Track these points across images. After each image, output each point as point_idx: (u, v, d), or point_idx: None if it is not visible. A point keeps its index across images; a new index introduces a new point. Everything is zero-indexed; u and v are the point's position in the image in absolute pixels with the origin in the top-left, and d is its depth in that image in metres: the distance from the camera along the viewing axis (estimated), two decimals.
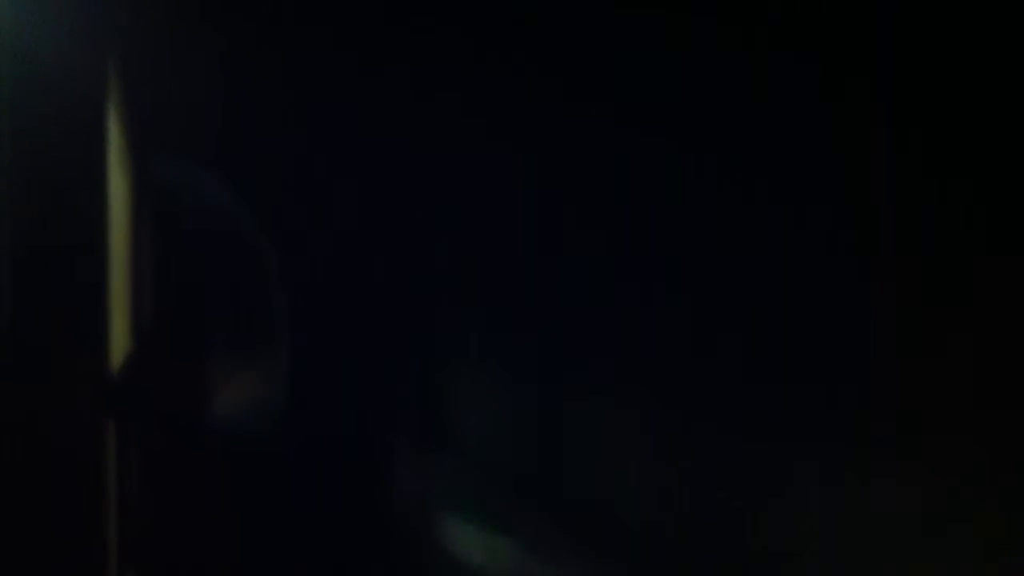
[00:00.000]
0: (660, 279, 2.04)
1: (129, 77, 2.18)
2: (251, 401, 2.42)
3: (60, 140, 1.94)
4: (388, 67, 2.35)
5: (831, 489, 1.75)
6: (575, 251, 2.18)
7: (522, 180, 2.21)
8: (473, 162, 2.32)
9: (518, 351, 2.28)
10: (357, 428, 2.49)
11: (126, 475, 2.28)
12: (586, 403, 2.19)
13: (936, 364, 1.64)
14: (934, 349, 1.65)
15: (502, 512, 2.31)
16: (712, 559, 1.95)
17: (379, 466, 2.45)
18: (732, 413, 1.91)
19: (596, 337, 2.16)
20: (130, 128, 2.20)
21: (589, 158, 2.15)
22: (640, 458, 2.11)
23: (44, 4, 1.87)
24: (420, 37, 2.28)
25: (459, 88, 2.26)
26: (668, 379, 2.04)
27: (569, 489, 2.24)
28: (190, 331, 2.30)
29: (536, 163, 2.19)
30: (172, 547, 2.34)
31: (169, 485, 2.34)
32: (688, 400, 2.00)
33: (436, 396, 2.46)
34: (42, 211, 1.96)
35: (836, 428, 1.75)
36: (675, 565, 2.03)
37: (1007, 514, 1.57)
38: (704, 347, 1.96)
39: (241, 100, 2.35)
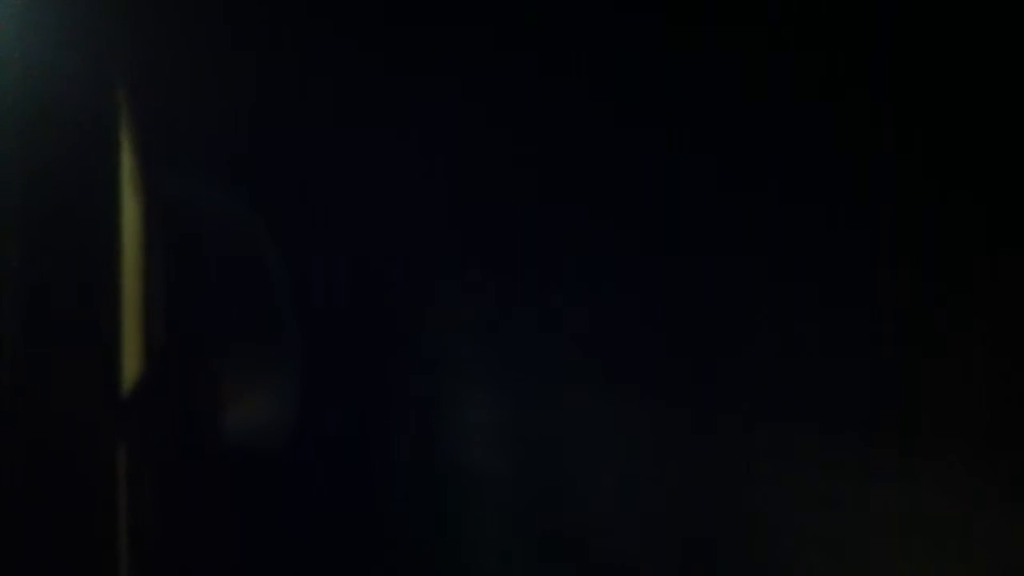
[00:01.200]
0: (661, 282, 2.04)
1: (138, 88, 2.19)
2: (259, 412, 2.42)
3: (70, 152, 1.95)
4: (396, 75, 2.35)
5: (833, 490, 1.75)
6: (578, 252, 2.17)
7: (521, 191, 2.21)
8: (473, 166, 2.32)
9: (520, 358, 2.28)
10: (368, 440, 2.49)
11: (135, 485, 2.29)
12: (586, 408, 2.19)
13: (937, 362, 1.64)
14: (936, 348, 1.64)
15: (501, 522, 2.31)
16: (713, 560, 1.96)
17: (392, 479, 2.45)
18: (733, 414, 1.91)
19: (597, 340, 2.16)
20: (139, 138, 2.21)
21: (588, 155, 2.15)
22: (640, 462, 2.11)
23: (53, 16, 1.87)
24: (426, 41, 2.29)
25: (461, 94, 2.26)
26: (669, 380, 2.04)
27: (569, 495, 2.24)
28: (199, 344, 2.31)
29: (532, 167, 2.19)
30: (180, 556, 2.35)
31: (178, 495, 2.35)
32: (689, 401, 1.99)
33: (442, 406, 2.46)
34: (52, 224, 1.97)
35: (838, 428, 1.75)
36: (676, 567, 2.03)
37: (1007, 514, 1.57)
38: (707, 349, 1.96)
39: (248, 110, 2.36)
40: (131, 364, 2.17)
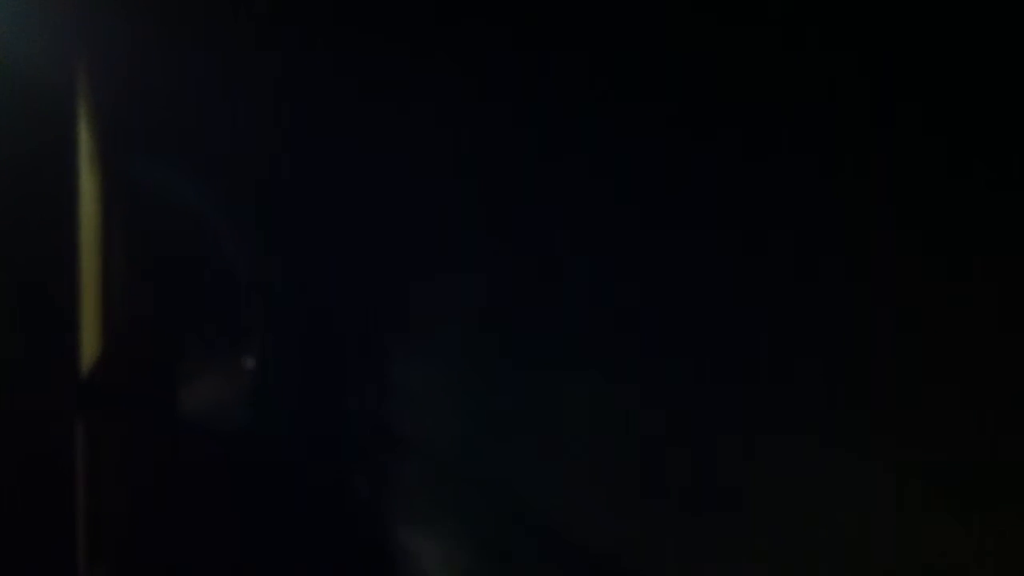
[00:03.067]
0: (651, 280, 2.02)
1: (100, 80, 2.12)
2: (223, 401, 2.38)
3: (31, 143, 1.89)
4: (361, 66, 2.30)
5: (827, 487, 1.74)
6: (561, 249, 2.15)
7: (494, 185, 2.17)
8: (439, 163, 2.28)
9: (498, 351, 2.25)
10: (328, 427, 2.45)
11: (97, 473, 2.24)
12: (564, 402, 2.16)
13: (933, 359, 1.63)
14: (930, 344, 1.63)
15: (472, 514, 2.28)
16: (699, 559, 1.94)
17: (350, 466, 2.42)
18: (725, 410, 1.90)
19: (580, 334, 2.14)
20: (101, 130, 2.15)
21: (574, 152, 2.12)
22: (620, 458, 2.09)
23: (15, 8, 1.81)
24: (390, 36, 2.24)
25: (432, 86, 2.22)
26: (653, 377, 2.02)
27: (544, 487, 2.21)
28: (162, 331, 2.26)
29: (516, 164, 2.15)
30: (142, 544, 2.30)
31: (140, 483, 2.30)
32: (678, 399, 1.98)
33: (407, 396, 2.42)
34: (13, 213, 1.91)
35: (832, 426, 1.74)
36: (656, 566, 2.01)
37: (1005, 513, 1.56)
38: (699, 346, 1.94)
39: (213, 100, 2.30)
40: (91, 354, 2.12)
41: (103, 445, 2.17)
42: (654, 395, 2.00)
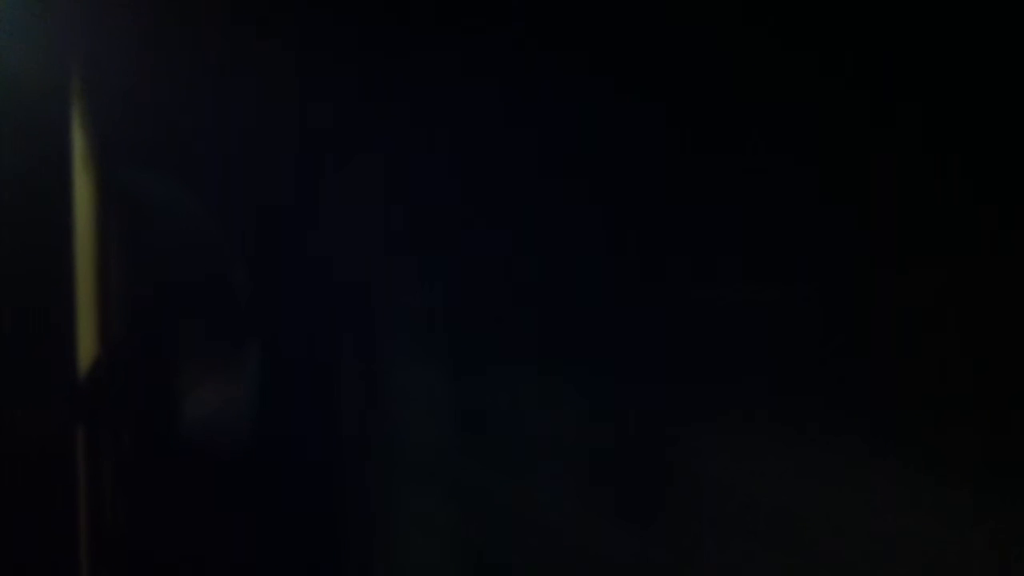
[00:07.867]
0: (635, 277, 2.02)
1: (94, 87, 2.13)
2: (222, 404, 2.38)
3: (27, 150, 1.90)
4: (349, 71, 2.30)
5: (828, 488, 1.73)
6: (548, 255, 2.14)
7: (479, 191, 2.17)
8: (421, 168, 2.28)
9: (497, 352, 2.25)
10: (331, 435, 2.45)
11: (96, 477, 2.24)
12: (546, 405, 2.16)
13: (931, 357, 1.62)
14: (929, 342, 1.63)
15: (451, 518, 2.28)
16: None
17: (351, 469, 2.42)
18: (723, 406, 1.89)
19: (566, 335, 2.13)
20: (97, 135, 2.15)
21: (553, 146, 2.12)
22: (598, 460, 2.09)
23: (8, 17, 1.81)
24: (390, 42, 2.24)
25: (405, 86, 2.22)
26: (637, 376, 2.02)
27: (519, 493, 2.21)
28: (157, 336, 2.26)
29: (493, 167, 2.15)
30: (141, 547, 2.30)
31: (137, 486, 2.31)
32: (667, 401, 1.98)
33: (407, 398, 2.43)
34: (9, 217, 1.92)
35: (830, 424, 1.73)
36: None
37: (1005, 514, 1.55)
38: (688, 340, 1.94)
39: (206, 106, 2.30)
40: (87, 358, 2.12)
41: (103, 450, 2.17)
42: (650, 395, 2.00)
